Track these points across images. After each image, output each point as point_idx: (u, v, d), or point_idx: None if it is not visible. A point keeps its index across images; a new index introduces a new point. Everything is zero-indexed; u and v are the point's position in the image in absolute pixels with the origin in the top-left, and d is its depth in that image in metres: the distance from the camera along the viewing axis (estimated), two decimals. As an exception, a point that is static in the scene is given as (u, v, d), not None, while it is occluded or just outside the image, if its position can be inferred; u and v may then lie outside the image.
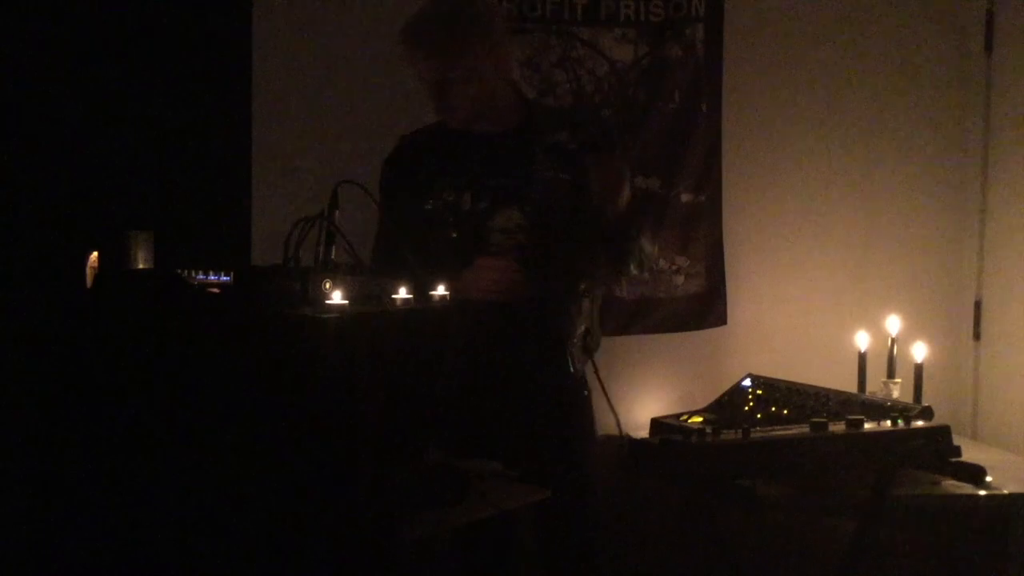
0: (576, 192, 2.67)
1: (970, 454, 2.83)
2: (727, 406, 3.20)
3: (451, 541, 2.73)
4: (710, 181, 3.59)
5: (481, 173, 2.70)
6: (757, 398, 3.16)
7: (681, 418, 3.13)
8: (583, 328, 2.73)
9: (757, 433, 2.72)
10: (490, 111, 2.69)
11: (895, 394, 3.23)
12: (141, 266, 2.20)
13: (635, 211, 2.72)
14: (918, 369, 3.21)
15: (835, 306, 3.65)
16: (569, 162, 2.69)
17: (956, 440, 2.80)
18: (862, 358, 3.34)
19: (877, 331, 3.39)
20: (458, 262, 2.63)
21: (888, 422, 2.77)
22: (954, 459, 2.79)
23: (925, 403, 2.98)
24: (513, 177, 2.69)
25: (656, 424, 3.17)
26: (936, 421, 2.84)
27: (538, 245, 2.67)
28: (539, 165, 2.68)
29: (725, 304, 3.62)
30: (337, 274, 2.08)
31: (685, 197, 3.57)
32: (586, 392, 2.78)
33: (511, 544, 2.78)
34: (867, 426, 2.72)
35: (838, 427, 2.71)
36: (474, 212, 2.68)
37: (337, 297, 2.02)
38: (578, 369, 2.72)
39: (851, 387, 3.23)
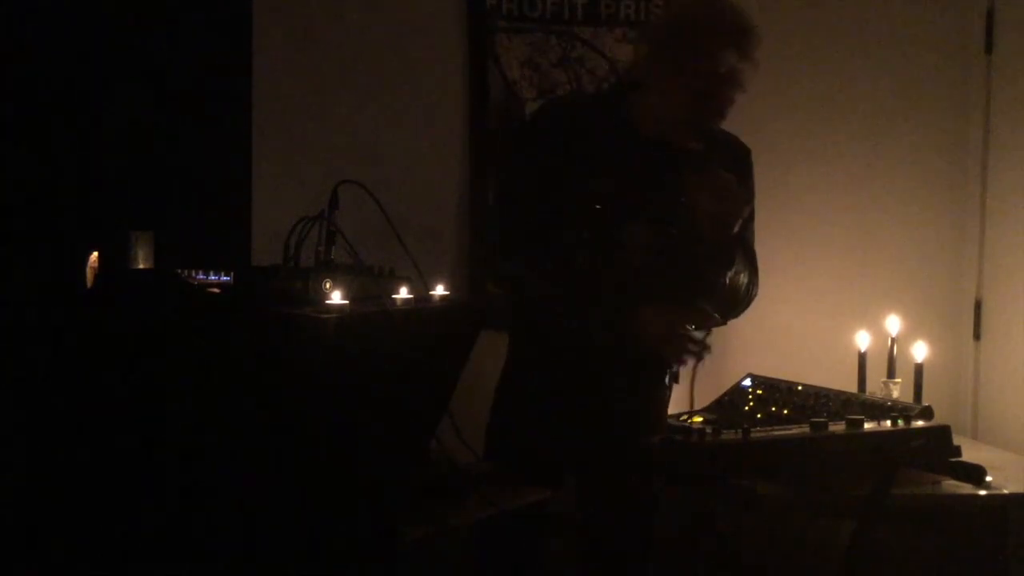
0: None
1: (970, 454, 2.82)
2: (727, 406, 3.20)
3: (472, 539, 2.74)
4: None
5: (628, 175, 2.57)
6: (757, 398, 3.16)
7: (681, 418, 3.12)
8: None
9: (757, 433, 2.72)
10: (698, 126, 2.57)
11: (895, 394, 3.23)
12: (141, 266, 2.20)
13: (735, 244, 2.60)
14: (918, 369, 3.21)
15: (835, 306, 3.64)
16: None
17: (956, 440, 2.79)
18: (862, 358, 3.33)
19: (877, 331, 3.39)
20: (580, 266, 2.53)
21: (888, 422, 2.77)
22: (954, 459, 2.78)
23: (925, 403, 2.97)
24: (657, 190, 2.57)
25: (656, 424, 3.17)
26: (936, 421, 2.84)
27: (663, 269, 2.56)
28: (688, 187, 2.54)
29: (725, 304, 3.62)
30: (337, 274, 2.08)
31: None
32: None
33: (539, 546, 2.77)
34: (867, 426, 2.72)
35: (838, 427, 2.71)
36: (606, 215, 2.55)
37: (337, 297, 2.03)
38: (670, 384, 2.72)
39: (851, 387, 3.23)
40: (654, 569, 2.82)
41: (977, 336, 3.64)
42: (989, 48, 3.61)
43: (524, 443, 2.66)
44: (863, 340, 3.36)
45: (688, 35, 2.48)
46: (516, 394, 2.76)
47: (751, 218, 2.73)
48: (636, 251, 2.57)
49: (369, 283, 2.15)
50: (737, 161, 2.70)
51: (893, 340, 3.30)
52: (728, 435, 2.69)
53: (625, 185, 2.56)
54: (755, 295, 2.77)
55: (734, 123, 3.55)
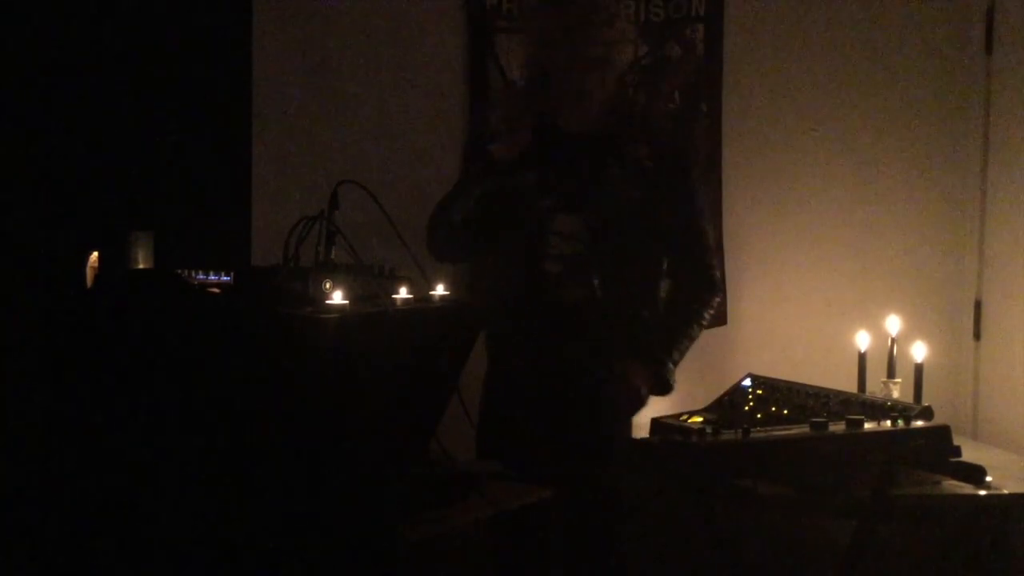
0: (645, 211, 2.68)
1: (970, 454, 2.82)
2: (727, 406, 3.20)
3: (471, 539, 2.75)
4: (710, 181, 3.59)
5: (554, 170, 2.69)
6: (757, 398, 3.16)
7: (681, 418, 3.12)
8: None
9: (757, 433, 2.72)
10: (577, 107, 2.68)
11: (895, 394, 3.22)
12: (141, 266, 2.20)
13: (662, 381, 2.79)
14: (918, 369, 3.21)
15: (835, 306, 3.64)
16: (644, 181, 2.69)
17: (956, 440, 2.80)
18: (862, 358, 3.33)
19: (877, 331, 3.39)
20: (510, 258, 2.64)
21: (888, 422, 2.77)
22: (954, 459, 2.79)
23: (925, 403, 2.97)
24: (582, 184, 2.69)
25: (656, 424, 3.17)
26: (936, 421, 2.84)
27: (591, 256, 2.68)
28: (611, 178, 2.68)
29: (725, 304, 3.62)
30: (337, 274, 2.08)
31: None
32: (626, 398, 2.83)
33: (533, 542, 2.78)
34: (867, 426, 2.72)
35: (838, 427, 2.71)
36: (538, 209, 2.67)
37: (337, 297, 2.03)
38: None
39: (851, 387, 3.23)
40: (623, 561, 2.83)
41: (977, 336, 3.64)
42: (989, 48, 3.61)
43: (506, 447, 2.69)
44: (863, 340, 3.36)
45: (526, 26, 2.70)
46: (491, 395, 2.80)
47: (701, 214, 2.83)
48: (569, 239, 2.66)
49: (369, 283, 2.15)
50: (674, 153, 2.80)
51: (893, 340, 3.30)
52: (728, 435, 2.70)
53: (550, 183, 2.68)
54: (715, 301, 2.90)
55: (736, 123, 3.58)
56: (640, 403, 2.79)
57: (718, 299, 2.89)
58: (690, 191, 2.79)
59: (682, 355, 2.81)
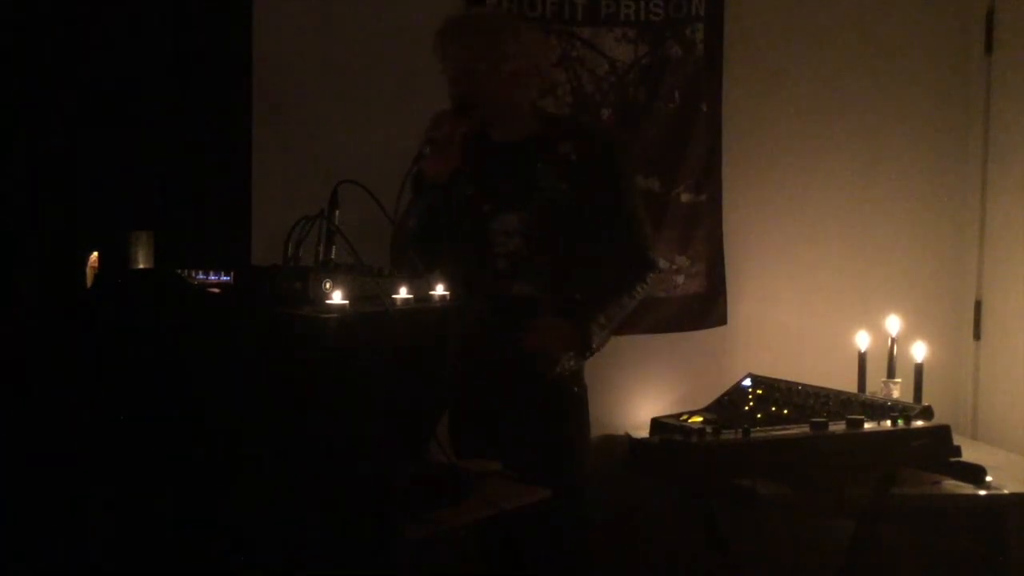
0: (574, 202, 2.80)
1: (970, 454, 2.83)
2: (727, 406, 3.20)
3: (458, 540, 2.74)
4: (710, 181, 3.59)
5: (489, 177, 2.84)
6: (757, 398, 3.16)
7: (681, 418, 3.13)
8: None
9: (757, 433, 2.72)
10: (506, 119, 2.84)
11: (895, 394, 3.23)
12: (141, 266, 2.20)
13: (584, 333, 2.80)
14: (918, 369, 3.21)
15: (835, 306, 3.64)
16: (570, 173, 2.81)
17: (956, 440, 2.80)
18: (862, 358, 3.33)
19: (877, 331, 3.39)
20: (461, 261, 2.69)
21: (888, 422, 2.77)
22: (954, 459, 2.79)
23: (925, 403, 2.98)
24: (515, 184, 2.83)
25: (656, 424, 3.17)
26: (936, 421, 2.84)
27: (532, 249, 2.79)
28: (540, 174, 2.81)
29: (725, 304, 3.62)
30: (337, 274, 2.08)
31: (685, 197, 3.57)
32: (576, 389, 2.85)
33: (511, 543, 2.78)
34: (867, 426, 2.72)
35: (838, 427, 2.71)
36: (479, 213, 2.82)
37: (337, 297, 2.02)
38: (563, 368, 2.80)
39: (851, 387, 3.23)
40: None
41: (977, 336, 3.65)
42: (989, 48, 3.61)
43: (471, 441, 2.73)
44: (863, 340, 3.36)
45: (440, 60, 2.85)
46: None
47: (628, 196, 2.90)
48: (510, 236, 2.79)
49: (369, 283, 2.14)
50: (597, 145, 2.87)
51: (893, 340, 3.30)
52: (728, 435, 2.70)
53: (486, 188, 2.83)
54: (649, 277, 2.91)
55: (736, 123, 3.58)
56: (554, 362, 2.79)
57: (652, 275, 2.91)
58: (615, 176, 2.87)
59: (609, 320, 2.82)
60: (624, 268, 2.88)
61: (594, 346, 2.81)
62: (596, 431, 3.06)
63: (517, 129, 2.87)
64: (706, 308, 3.62)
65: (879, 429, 2.73)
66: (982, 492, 2.78)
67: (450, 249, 2.71)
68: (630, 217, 2.88)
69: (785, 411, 3.01)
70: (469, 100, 2.77)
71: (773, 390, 3.17)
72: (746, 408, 3.13)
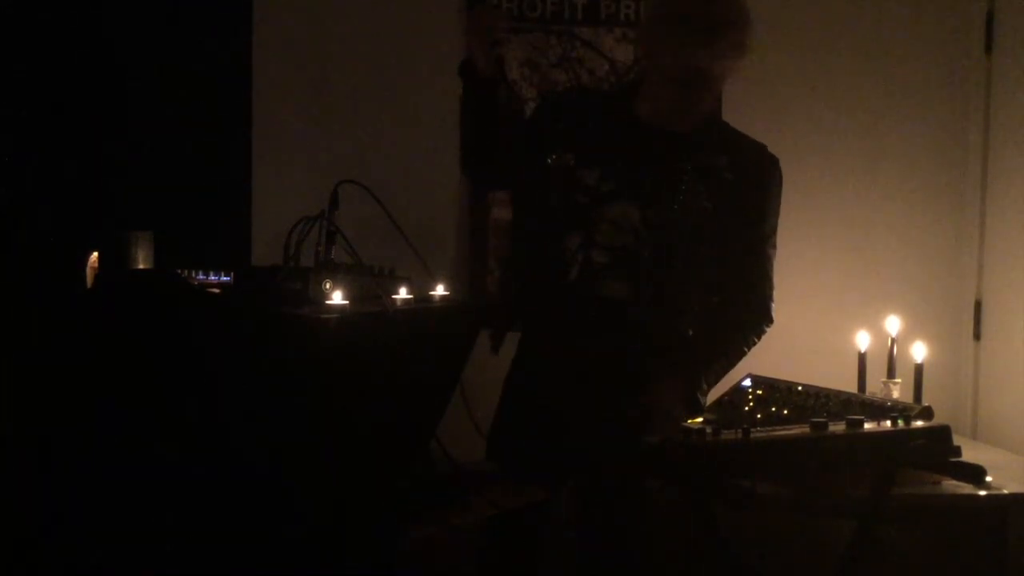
0: (712, 224, 2.57)
1: (970, 454, 2.82)
2: (727, 406, 3.19)
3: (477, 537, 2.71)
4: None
5: (620, 155, 2.55)
6: (757, 398, 3.16)
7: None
8: None
9: (757, 433, 2.72)
10: (694, 119, 2.57)
11: (895, 394, 3.22)
12: (141, 266, 2.20)
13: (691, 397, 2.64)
14: (918, 369, 3.21)
15: (835, 306, 3.64)
16: (719, 192, 2.58)
17: (956, 440, 2.79)
18: (862, 358, 3.33)
19: (877, 331, 3.39)
20: (546, 237, 2.52)
21: (888, 422, 2.77)
22: (954, 459, 2.78)
23: (925, 403, 2.97)
24: (654, 177, 2.56)
25: (656, 424, 3.17)
26: (936, 421, 2.83)
27: (646, 252, 2.56)
28: (686, 178, 2.56)
29: (725, 304, 3.61)
30: (337, 274, 2.08)
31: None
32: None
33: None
34: (867, 426, 2.72)
35: (838, 427, 2.71)
36: (594, 189, 2.53)
37: (337, 297, 2.03)
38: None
39: (851, 387, 3.23)
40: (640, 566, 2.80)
41: (977, 336, 3.64)
42: (989, 48, 3.61)
43: (525, 445, 2.64)
44: (863, 340, 3.36)
45: (661, 28, 2.48)
46: (517, 395, 2.76)
47: (768, 240, 2.73)
48: (622, 229, 2.55)
49: (369, 283, 2.15)
50: (757, 170, 2.68)
51: (893, 340, 3.30)
52: (728, 435, 2.69)
53: (616, 171, 2.54)
54: (766, 330, 2.78)
55: (736, 123, 3.57)
56: (675, 421, 2.64)
57: (767, 329, 2.78)
58: (763, 212, 2.69)
59: (717, 378, 2.71)
60: (739, 313, 2.73)
61: (704, 408, 2.65)
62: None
63: (661, 118, 2.55)
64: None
65: (879, 429, 2.73)
66: (982, 492, 2.78)
67: (541, 224, 2.52)
68: (762, 260, 2.72)
69: (785, 411, 3.01)
70: (685, 112, 2.50)
71: (773, 390, 3.16)
72: (746, 408, 3.12)
